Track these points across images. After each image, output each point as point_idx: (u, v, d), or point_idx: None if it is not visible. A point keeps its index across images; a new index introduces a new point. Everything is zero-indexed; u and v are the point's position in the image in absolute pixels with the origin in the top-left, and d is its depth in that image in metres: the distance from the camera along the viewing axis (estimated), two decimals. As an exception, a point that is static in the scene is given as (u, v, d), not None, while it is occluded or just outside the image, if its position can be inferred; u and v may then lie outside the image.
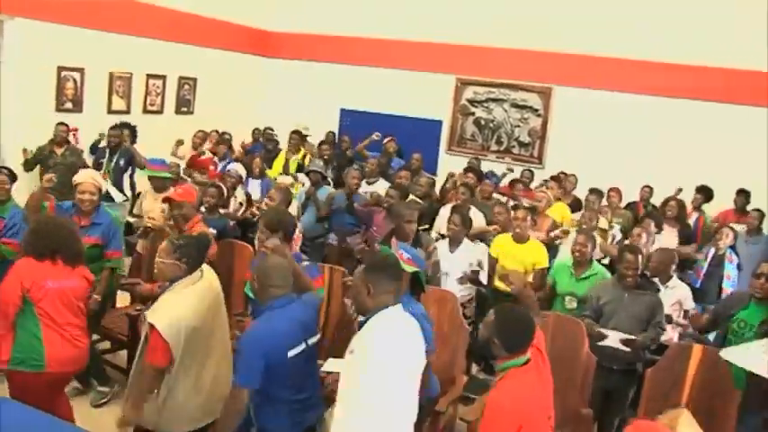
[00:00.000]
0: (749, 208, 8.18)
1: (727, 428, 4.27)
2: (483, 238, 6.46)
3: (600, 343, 4.71)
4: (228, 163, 8.45)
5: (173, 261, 3.64)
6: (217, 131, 9.83)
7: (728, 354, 4.00)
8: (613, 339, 4.72)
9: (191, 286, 3.66)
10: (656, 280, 5.33)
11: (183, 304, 3.56)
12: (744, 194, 8.39)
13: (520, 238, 5.92)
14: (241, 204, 7.00)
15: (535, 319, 3.22)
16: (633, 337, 4.70)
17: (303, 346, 3.36)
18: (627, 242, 6.45)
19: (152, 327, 3.45)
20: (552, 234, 6.70)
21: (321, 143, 9.81)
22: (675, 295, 5.51)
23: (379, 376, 2.83)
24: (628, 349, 4.71)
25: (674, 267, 5.68)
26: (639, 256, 4.95)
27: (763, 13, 8.81)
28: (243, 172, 7.61)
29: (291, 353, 3.29)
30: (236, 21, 11.38)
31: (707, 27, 9.22)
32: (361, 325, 3.04)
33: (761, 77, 8.98)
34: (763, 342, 4.01)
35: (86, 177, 5.00)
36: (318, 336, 3.56)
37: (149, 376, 3.51)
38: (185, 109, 10.76)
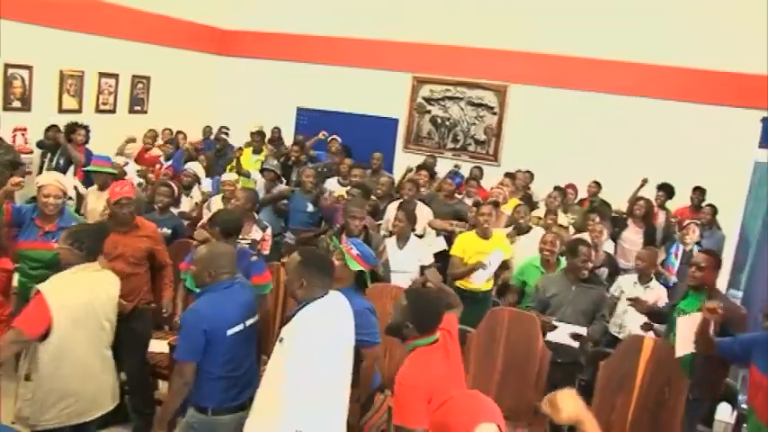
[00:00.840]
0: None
1: (676, 417, 4.35)
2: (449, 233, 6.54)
3: (548, 337, 4.75)
4: (177, 161, 8.37)
5: (67, 247, 3.71)
6: (169, 130, 9.74)
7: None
8: (562, 334, 4.77)
9: (81, 272, 3.72)
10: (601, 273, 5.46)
11: (70, 284, 3.66)
12: (699, 191, 8.51)
13: (485, 234, 5.93)
14: (197, 204, 6.94)
15: (455, 309, 3.65)
16: (583, 331, 4.76)
17: (242, 326, 3.51)
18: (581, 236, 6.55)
19: (38, 292, 3.52)
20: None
21: (269, 141, 9.82)
22: (653, 296, 5.60)
23: (302, 360, 3.12)
24: (576, 344, 4.77)
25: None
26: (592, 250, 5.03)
27: (715, 11, 9.05)
28: (200, 171, 7.55)
29: (230, 332, 3.44)
30: (190, 19, 11.27)
31: (658, 25, 9.40)
32: (292, 316, 3.28)
33: (711, 76, 9.22)
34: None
35: (50, 180, 4.69)
36: (257, 318, 3.68)
37: (11, 343, 3.50)
38: (139, 108, 10.62)
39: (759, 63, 8.81)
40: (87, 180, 7.13)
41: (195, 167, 7.53)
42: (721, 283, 6.12)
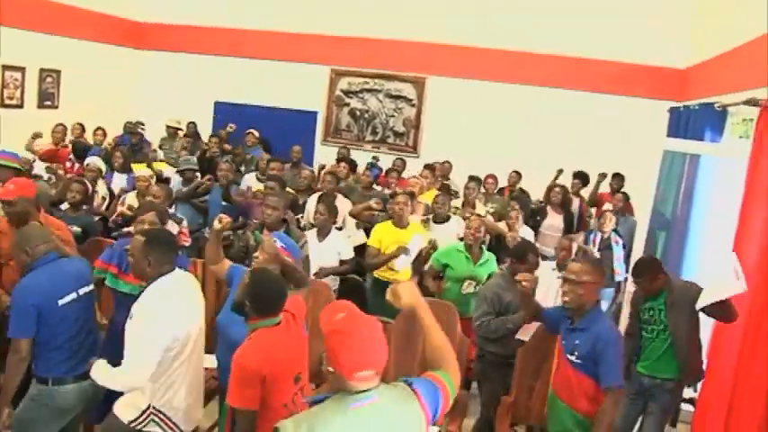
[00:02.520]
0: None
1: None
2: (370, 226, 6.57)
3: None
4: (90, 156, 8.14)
5: None
6: (81, 125, 9.44)
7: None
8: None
9: None
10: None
11: None
12: (618, 177, 8.75)
13: (401, 223, 5.98)
14: (104, 199, 6.77)
15: (302, 289, 3.82)
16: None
17: (74, 294, 3.64)
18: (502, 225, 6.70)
19: None
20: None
21: (209, 138, 9.70)
22: None
23: (151, 331, 3.28)
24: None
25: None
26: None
27: (628, 7, 9.40)
28: (102, 165, 7.37)
29: (62, 301, 3.56)
30: (102, 10, 10.95)
31: (574, 19, 9.67)
32: (140, 293, 3.46)
33: (624, 68, 9.59)
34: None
35: None
36: (92, 287, 3.82)
37: None
38: (49, 103, 10.24)
39: (669, 57, 9.22)
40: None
41: (97, 162, 7.35)
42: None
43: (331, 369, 2.23)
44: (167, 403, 3.43)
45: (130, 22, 11.77)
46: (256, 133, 9.75)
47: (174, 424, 3.48)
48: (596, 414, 3.55)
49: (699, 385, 4.95)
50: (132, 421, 3.41)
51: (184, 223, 5.83)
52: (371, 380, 2.24)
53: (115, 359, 3.38)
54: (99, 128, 9.49)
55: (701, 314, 4.37)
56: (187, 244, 5.69)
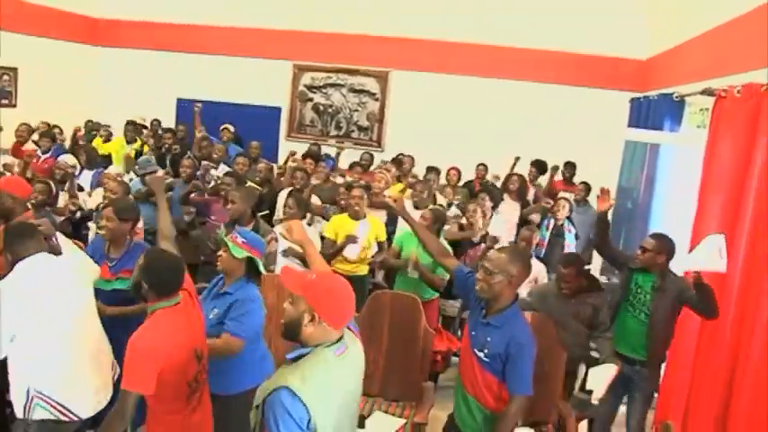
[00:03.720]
0: (576, 180, 8.68)
1: (556, 388, 4.54)
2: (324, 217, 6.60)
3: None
4: (57, 155, 8.03)
5: None
6: (47, 124, 9.31)
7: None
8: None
9: None
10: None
11: None
12: (570, 166, 8.88)
13: (356, 216, 6.02)
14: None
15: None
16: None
17: None
18: (464, 219, 6.72)
19: None
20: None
21: (164, 131, 9.64)
22: (534, 272, 5.77)
23: (21, 315, 3.36)
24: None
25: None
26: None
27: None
28: (74, 163, 7.28)
29: None
30: (59, 7, 10.80)
31: (536, 12, 9.72)
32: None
33: (586, 60, 9.69)
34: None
35: None
36: None
37: None
38: (6, 101, 10.09)
39: (630, 48, 9.33)
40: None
41: (69, 160, 7.25)
42: (597, 254, 6.41)
43: (322, 323, 2.44)
44: (47, 384, 3.44)
45: (88, 19, 11.62)
46: (231, 128, 9.69)
47: (63, 406, 3.48)
48: (499, 417, 3.32)
49: (662, 371, 5.04)
50: (23, 409, 3.43)
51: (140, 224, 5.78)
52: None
53: None
54: (55, 125, 9.36)
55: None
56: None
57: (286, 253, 5.67)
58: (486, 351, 3.34)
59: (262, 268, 3.82)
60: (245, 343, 3.60)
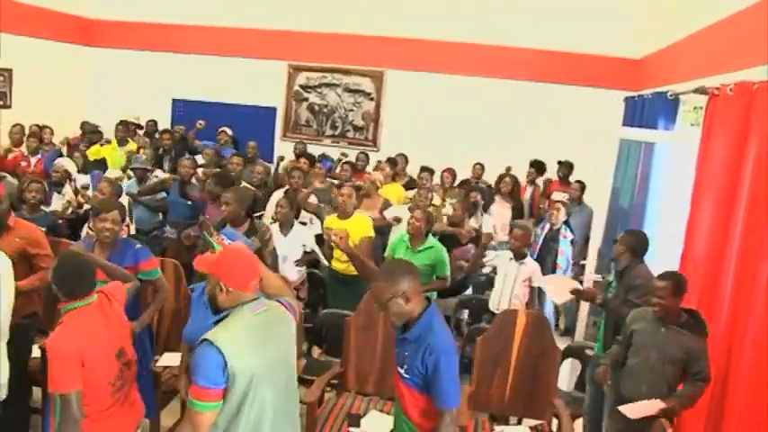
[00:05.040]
0: (572, 179, 8.68)
1: (550, 387, 4.53)
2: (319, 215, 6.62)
3: (628, 413, 4.03)
4: (49, 160, 8.02)
5: None
6: (38, 126, 9.30)
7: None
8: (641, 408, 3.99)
9: None
10: None
11: None
12: (565, 165, 8.89)
13: (344, 214, 6.07)
14: (69, 203, 6.69)
15: (131, 284, 3.94)
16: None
17: None
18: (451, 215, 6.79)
19: None
20: (389, 218, 6.90)
21: (161, 133, 9.64)
22: (528, 271, 5.80)
23: None
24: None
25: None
26: None
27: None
28: (71, 167, 7.28)
29: None
30: (53, 7, 10.79)
31: (532, 11, 9.77)
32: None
33: (581, 59, 9.70)
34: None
35: None
36: None
37: None
38: (1, 103, 10.06)
39: (624, 47, 9.36)
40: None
41: (65, 163, 7.26)
42: (591, 254, 6.43)
43: (230, 289, 2.81)
44: None
45: (82, 19, 11.60)
46: (229, 131, 9.69)
47: None
48: None
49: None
50: None
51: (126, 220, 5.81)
52: (257, 287, 2.94)
53: None
54: (46, 126, 9.34)
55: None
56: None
57: (299, 262, 5.73)
58: (405, 367, 3.11)
59: None
60: None
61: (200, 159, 8.15)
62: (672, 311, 3.94)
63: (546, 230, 7.22)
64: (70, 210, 6.70)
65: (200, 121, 9.67)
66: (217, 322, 2.79)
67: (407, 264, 3.28)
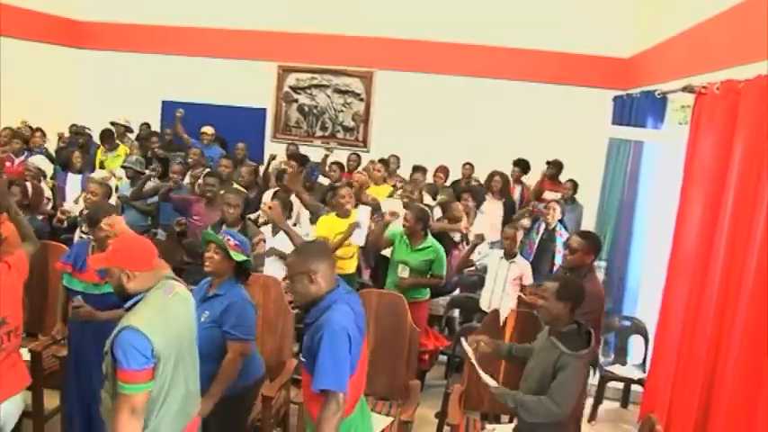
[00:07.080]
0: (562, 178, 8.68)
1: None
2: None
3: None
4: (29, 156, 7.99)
5: None
6: (30, 127, 9.25)
7: None
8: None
9: None
10: None
11: None
12: (554, 165, 8.86)
13: (344, 214, 6.07)
14: (48, 200, 6.67)
15: (28, 243, 3.98)
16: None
17: None
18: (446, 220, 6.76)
19: None
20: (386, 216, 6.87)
21: (148, 135, 9.60)
22: (518, 270, 5.82)
23: None
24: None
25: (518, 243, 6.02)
26: None
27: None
28: (45, 165, 7.24)
29: None
30: (40, 9, 10.74)
31: (521, 11, 9.85)
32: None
33: (570, 59, 9.76)
34: None
35: None
36: None
37: None
38: (-11, 105, 9.99)
39: (613, 46, 9.42)
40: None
41: (39, 162, 7.23)
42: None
43: (135, 274, 2.82)
44: None
45: (71, 21, 11.56)
46: (211, 130, 9.64)
47: None
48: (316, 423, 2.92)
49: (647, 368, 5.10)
50: None
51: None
52: (162, 266, 2.99)
53: None
54: (38, 128, 9.30)
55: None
56: None
57: (269, 253, 5.72)
58: (302, 352, 3.10)
59: (250, 272, 3.95)
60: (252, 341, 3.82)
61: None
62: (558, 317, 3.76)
63: (542, 231, 7.22)
64: (49, 207, 6.68)
65: (180, 110, 9.67)
66: (128, 309, 2.82)
67: (324, 247, 3.60)
